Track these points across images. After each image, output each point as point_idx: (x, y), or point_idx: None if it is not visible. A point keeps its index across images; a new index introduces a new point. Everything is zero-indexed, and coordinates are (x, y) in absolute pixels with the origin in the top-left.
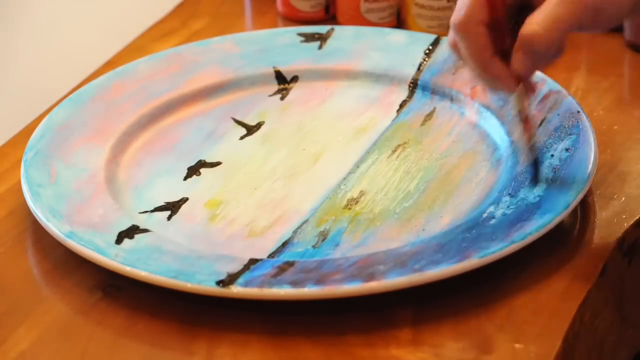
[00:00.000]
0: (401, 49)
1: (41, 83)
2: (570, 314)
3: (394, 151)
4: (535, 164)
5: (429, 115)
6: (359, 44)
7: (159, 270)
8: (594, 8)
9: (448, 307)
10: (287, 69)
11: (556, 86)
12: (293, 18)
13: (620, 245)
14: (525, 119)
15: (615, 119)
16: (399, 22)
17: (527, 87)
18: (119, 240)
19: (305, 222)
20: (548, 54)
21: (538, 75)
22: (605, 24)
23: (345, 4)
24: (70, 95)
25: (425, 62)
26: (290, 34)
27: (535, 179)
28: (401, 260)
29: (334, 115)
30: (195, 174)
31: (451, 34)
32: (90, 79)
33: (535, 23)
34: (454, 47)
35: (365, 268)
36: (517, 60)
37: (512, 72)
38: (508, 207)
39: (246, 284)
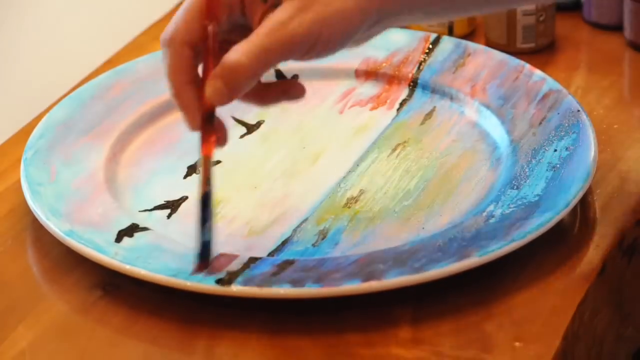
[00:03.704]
0: (401, 48)
1: (41, 82)
2: (570, 312)
3: (393, 150)
4: (205, 246)
5: (429, 114)
6: None
7: (159, 269)
8: (306, 37)
9: (448, 306)
10: (286, 67)
11: (556, 85)
12: None
13: (620, 244)
14: (204, 179)
15: (616, 117)
16: None
17: (218, 131)
18: (118, 238)
19: (305, 220)
20: (247, 85)
21: (538, 74)
22: (323, 52)
23: None
24: (70, 94)
25: (425, 61)
26: None
27: (202, 260)
28: (401, 259)
29: (334, 115)
30: (195, 172)
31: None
32: (90, 78)
33: (241, 52)
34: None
35: (364, 267)
36: (213, 87)
37: (200, 107)
38: (508, 205)
39: (246, 283)
